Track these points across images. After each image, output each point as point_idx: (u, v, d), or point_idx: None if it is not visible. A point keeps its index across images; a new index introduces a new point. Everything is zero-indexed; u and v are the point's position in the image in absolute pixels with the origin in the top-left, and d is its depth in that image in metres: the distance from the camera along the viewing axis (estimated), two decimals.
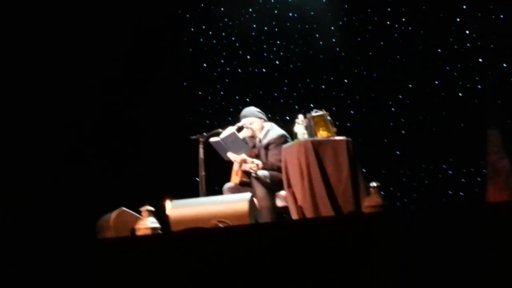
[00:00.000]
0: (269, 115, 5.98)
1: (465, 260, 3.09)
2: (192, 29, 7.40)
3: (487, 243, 3.09)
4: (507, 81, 6.66)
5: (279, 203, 5.29)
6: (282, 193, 5.24)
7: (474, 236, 3.13)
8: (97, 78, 6.85)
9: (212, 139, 5.47)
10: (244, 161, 5.37)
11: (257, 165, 5.29)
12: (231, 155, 5.45)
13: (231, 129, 5.44)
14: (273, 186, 5.25)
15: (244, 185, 5.36)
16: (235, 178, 5.48)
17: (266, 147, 5.48)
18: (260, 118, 5.59)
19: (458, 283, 3.07)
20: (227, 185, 5.50)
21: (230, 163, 5.57)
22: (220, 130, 5.56)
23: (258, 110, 5.64)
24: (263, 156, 5.48)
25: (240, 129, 5.64)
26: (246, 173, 5.38)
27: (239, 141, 5.40)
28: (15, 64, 6.47)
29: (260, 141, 5.57)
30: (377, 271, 3.14)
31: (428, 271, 3.10)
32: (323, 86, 7.32)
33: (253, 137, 5.62)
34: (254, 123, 5.57)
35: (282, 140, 5.39)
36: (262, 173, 5.27)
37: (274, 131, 5.51)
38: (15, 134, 6.47)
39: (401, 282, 3.11)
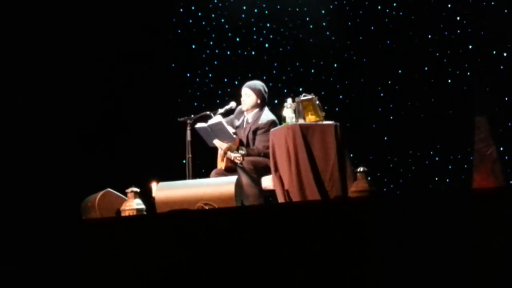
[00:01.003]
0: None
1: (450, 246, 3.11)
2: (181, 10, 7.34)
3: (472, 229, 3.11)
4: (496, 69, 6.68)
5: (265, 185, 5.27)
6: (267, 178, 5.23)
7: (460, 222, 3.15)
8: (84, 60, 6.77)
9: (198, 125, 5.41)
10: (230, 149, 5.33)
11: (242, 155, 5.25)
12: (217, 142, 5.42)
13: (218, 117, 5.39)
14: (257, 173, 5.24)
15: (230, 171, 5.33)
16: (221, 164, 5.47)
17: (255, 131, 5.44)
18: (257, 96, 5.49)
19: (443, 269, 3.08)
20: (214, 170, 5.47)
21: (216, 148, 5.54)
22: (208, 112, 5.51)
23: (263, 89, 5.51)
24: (251, 140, 5.44)
25: (227, 112, 5.60)
26: (231, 161, 5.35)
27: (225, 131, 5.35)
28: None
29: (248, 122, 5.54)
30: (362, 256, 3.16)
31: (414, 256, 3.12)
32: (312, 70, 7.30)
33: (241, 113, 5.58)
34: (250, 98, 5.50)
35: (271, 126, 5.34)
36: (247, 161, 5.25)
37: (265, 115, 5.46)
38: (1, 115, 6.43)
39: (387, 267, 3.12)
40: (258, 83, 5.56)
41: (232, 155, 5.27)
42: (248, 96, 5.49)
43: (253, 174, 5.20)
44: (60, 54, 6.67)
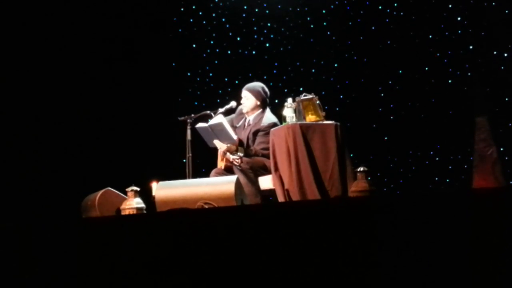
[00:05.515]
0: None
1: (450, 246, 3.11)
2: (182, 9, 7.34)
3: (472, 229, 3.11)
4: (496, 69, 6.69)
5: (265, 185, 5.28)
6: (266, 178, 5.22)
7: (459, 222, 3.15)
8: (85, 56, 6.79)
9: (199, 125, 5.41)
10: (229, 150, 5.34)
11: (240, 157, 5.26)
12: (217, 143, 5.42)
13: (219, 118, 5.40)
14: (254, 172, 5.26)
15: (229, 171, 5.35)
16: (221, 163, 5.47)
17: (255, 133, 5.44)
18: (257, 99, 5.49)
19: (443, 269, 3.09)
20: (214, 170, 5.48)
21: (216, 147, 5.54)
22: (208, 111, 5.52)
23: (263, 91, 5.50)
24: (251, 141, 5.44)
25: (228, 111, 5.61)
26: (230, 161, 5.35)
27: (226, 131, 5.36)
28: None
29: (249, 123, 5.54)
30: (362, 256, 3.15)
31: (414, 256, 3.12)
32: (313, 70, 7.30)
33: (241, 114, 5.58)
34: (249, 100, 5.50)
35: (271, 128, 5.34)
36: (244, 161, 5.26)
37: (266, 117, 5.46)
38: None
39: (387, 267, 3.12)
40: (257, 85, 5.56)
41: (230, 156, 5.29)
42: (247, 98, 5.50)
43: (250, 173, 5.22)
44: (60, 52, 6.69)
